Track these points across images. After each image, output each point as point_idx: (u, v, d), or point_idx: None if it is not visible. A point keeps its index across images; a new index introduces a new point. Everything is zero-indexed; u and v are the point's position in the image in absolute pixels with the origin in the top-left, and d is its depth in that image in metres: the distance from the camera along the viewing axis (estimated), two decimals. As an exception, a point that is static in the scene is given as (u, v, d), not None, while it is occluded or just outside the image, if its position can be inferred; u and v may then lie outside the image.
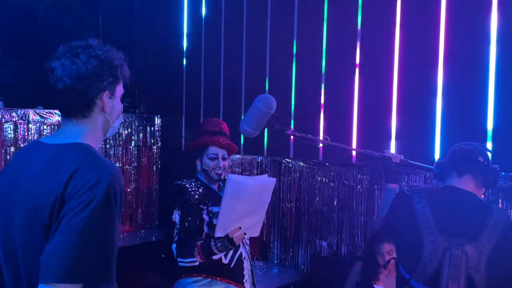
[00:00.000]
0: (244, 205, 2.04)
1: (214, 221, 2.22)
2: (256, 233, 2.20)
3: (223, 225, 2.08)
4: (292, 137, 2.38)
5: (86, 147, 1.27)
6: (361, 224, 3.44)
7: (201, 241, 2.14)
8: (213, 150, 2.31)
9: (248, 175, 4.04)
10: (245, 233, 2.11)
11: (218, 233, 2.09)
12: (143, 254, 4.37)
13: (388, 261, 2.66)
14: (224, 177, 2.36)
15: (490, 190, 2.71)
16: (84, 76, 1.25)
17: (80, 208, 1.13)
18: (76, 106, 1.28)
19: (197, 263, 2.13)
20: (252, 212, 2.11)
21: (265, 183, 2.11)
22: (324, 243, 3.63)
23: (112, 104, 1.33)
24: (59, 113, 4.06)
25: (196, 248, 2.11)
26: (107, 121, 1.34)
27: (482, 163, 1.77)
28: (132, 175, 4.79)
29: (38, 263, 1.16)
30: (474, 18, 2.91)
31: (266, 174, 2.26)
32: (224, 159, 2.34)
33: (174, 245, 2.19)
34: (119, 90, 1.36)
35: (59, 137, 1.31)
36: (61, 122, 1.34)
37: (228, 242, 2.07)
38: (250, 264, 2.38)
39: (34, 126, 4.00)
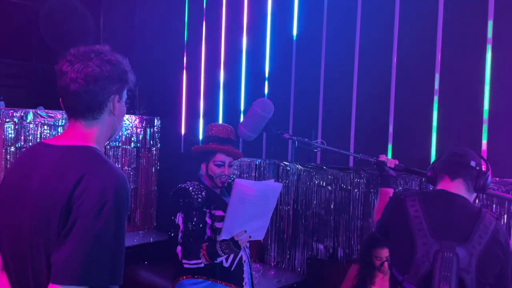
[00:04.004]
0: (250, 209, 2.08)
1: (217, 224, 2.26)
2: (260, 236, 2.24)
3: (229, 228, 2.12)
4: (289, 140, 2.42)
5: (94, 151, 1.28)
6: (357, 227, 3.47)
7: (206, 243, 2.18)
8: (220, 157, 2.33)
9: (246, 177, 4.06)
10: (250, 237, 2.15)
11: (224, 236, 2.13)
12: (141, 255, 4.39)
13: (382, 263, 2.69)
14: (227, 183, 2.40)
15: (483, 195, 2.74)
16: (98, 79, 1.27)
17: (93, 213, 1.15)
18: (88, 107, 1.29)
19: (202, 265, 2.17)
20: (258, 216, 2.15)
21: (272, 188, 2.15)
22: (321, 246, 3.65)
23: (119, 107, 1.36)
24: (60, 114, 4.11)
25: (201, 250, 2.15)
26: (114, 124, 1.37)
27: (474, 168, 1.81)
28: (131, 176, 4.81)
29: (47, 264, 1.19)
30: (471, 23, 2.95)
31: (273, 179, 2.30)
32: (230, 166, 2.36)
33: (178, 248, 2.21)
34: (125, 94, 1.39)
35: (66, 139, 1.32)
36: (68, 123, 1.34)
37: (234, 245, 2.11)
38: (250, 267, 2.42)
39: (35, 126, 4.02)
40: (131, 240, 4.54)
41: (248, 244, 2.41)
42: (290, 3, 3.92)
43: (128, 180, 1.29)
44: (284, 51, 3.95)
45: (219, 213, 2.29)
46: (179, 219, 2.25)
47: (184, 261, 2.19)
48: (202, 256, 2.14)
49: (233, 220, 2.10)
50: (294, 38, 3.90)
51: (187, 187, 2.31)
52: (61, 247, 1.15)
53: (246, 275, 2.36)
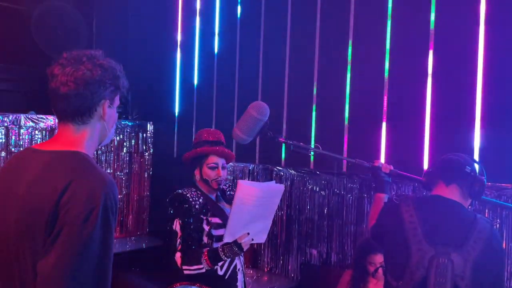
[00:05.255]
0: (253, 211, 2.07)
1: (213, 232, 2.24)
2: (262, 239, 2.23)
3: (231, 231, 2.10)
4: (284, 144, 2.41)
5: (82, 156, 1.27)
6: (351, 232, 3.46)
7: (207, 248, 2.16)
8: (213, 159, 2.32)
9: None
10: (252, 239, 2.13)
11: (227, 239, 2.11)
12: (133, 261, 4.35)
13: (376, 269, 2.68)
14: (223, 187, 2.39)
15: (476, 201, 2.75)
16: (89, 82, 1.26)
17: (80, 220, 1.14)
18: (77, 111, 1.28)
19: (203, 270, 2.14)
20: (260, 217, 2.14)
21: (274, 189, 2.15)
22: (314, 251, 3.64)
23: (110, 113, 1.35)
24: (51, 118, 4.08)
25: (202, 255, 2.12)
26: (103, 129, 1.36)
27: (469, 174, 1.81)
28: (123, 182, 4.78)
29: (33, 271, 1.17)
30: (462, 26, 2.97)
31: (274, 181, 2.29)
32: (223, 168, 2.35)
33: (178, 254, 2.18)
34: (117, 101, 1.38)
35: (55, 144, 1.30)
36: (58, 127, 1.33)
37: (237, 248, 2.09)
38: (244, 275, 2.40)
39: (26, 131, 3.99)
40: (124, 246, 4.50)
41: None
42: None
43: (120, 186, 1.28)
44: (279, 55, 3.96)
45: (215, 220, 2.27)
46: (176, 225, 2.22)
47: (184, 267, 2.16)
48: (204, 261, 2.12)
49: (236, 222, 2.08)
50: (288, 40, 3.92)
51: (184, 193, 2.29)
52: (47, 255, 1.13)
53: (239, 284, 2.34)
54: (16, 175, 1.28)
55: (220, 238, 2.19)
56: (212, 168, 2.32)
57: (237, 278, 2.32)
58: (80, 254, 1.13)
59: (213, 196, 2.38)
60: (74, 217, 1.14)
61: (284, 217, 3.83)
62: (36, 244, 1.17)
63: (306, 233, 3.70)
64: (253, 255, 3.99)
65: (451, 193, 1.81)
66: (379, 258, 2.68)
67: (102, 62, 1.30)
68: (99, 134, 1.35)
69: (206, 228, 2.24)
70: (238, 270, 2.33)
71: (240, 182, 2.04)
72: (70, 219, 1.14)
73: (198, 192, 2.32)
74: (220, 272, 2.25)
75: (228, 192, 2.48)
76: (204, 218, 2.25)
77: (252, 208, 2.06)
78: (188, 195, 2.28)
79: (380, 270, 2.65)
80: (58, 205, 1.15)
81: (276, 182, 3.33)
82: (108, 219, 1.18)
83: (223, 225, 2.23)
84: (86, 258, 1.14)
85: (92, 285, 1.16)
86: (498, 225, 2.74)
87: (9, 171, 1.33)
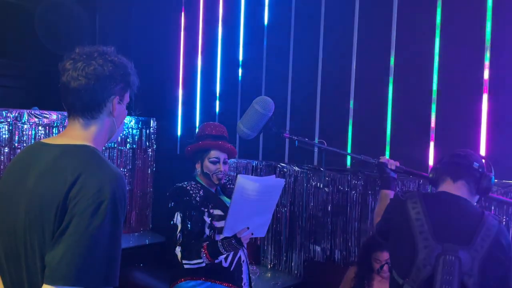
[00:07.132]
0: (252, 205, 2.06)
1: (215, 223, 2.24)
2: (262, 233, 2.22)
3: (231, 225, 2.09)
4: (287, 140, 2.39)
5: (92, 150, 1.28)
6: (354, 229, 3.44)
7: (207, 242, 2.15)
8: (215, 154, 2.32)
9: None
10: (252, 234, 2.12)
11: (226, 233, 2.10)
12: (136, 257, 4.36)
13: (382, 266, 2.67)
14: (223, 181, 2.38)
15: (483, 198, 2.73)
16: (100, 77, 1.28)
17: (89, 212, 1.14)
18: (87, 106, 1.29)
19: (203, 264, 2.14)
20: (260, 212, 2.13)
21: (274, 184, 2.13)
22: (318, 248, 3.63)
23: (119, 109, 1.37)
24: (54, 114, 4.07)
25: (202, 249, 2.12)
26: (113, 125, 1.37)
27: (476, 170, 1.79)
28: (127, 178, 4.78)
29: (41, 263, 1.17)
30: (468, 26, 2.94)
31: (274, 175, 2.28)
32: (225, 163, 2.35)
33: (178, 248, 2.17)
34: (127, 98, 1.40)
35: (64, 138, 1.32)
36: (68, 122, 1.35)
37: (236, 242, 2.09)
38: (248, 267, 2.40)
39: (29, 127, 3.98)
40: (127, 241, 4.51)
41: (245, 245, 2.39)
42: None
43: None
44: (283, 51, 3.94)
45: (217, 212, 2.27)
46: (177, 218, 2.21)
47: (184, 261, 2.15)
48: (204, 256, 2.11)
49: (235, 216, 2.07)
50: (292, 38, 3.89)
51: (184, 186, 2.29)
52: (56, 247, 1.14)
53: (244, 276, 2.35)
54: (26, 168, 1.28)
55: (222, 230, 2.18)
56: (213, 163, 2.31)
57: (242, 270, 2.33)
58: (88, 247, 1.13)
59: (213, 189, 2.38)
60: (83, 209, 1.14)
61: (288, 214, 3.82)
62: (45, 236, 1.18)
63: (310, 230, 3.69)
64: (256, 252, 3.98)
65: (459, 189, 1.78)
66: (384, 255, 2.67)
67: (113, 59, 1.32)
68: (108, 130, 1.36)
69: (208, 220, 2.24)
70: (243, 261, 2.34)
71: (239, 176, 2.02)
72: (79, 211, 1.15)
73: (198, 185, 2.32)
74: (225, 264, 2.25)
75: (229, 186, 2.47)
76: (205, 210, 2.25)
77: (252, 203, 2.04)
78: (188, 187, 2.27)
79: (385, 267, 2.64)
80: (68, 197, 1.16)
81: (276, 177, 3.32)
82: (116, 213, 1.18)
83: (225, 217, 2.22)
84: (94, 252, 1.14)
85: (100, 278, 1.16)
86: (504, 222, 2.72)
87: (18, 164, 1.34)
